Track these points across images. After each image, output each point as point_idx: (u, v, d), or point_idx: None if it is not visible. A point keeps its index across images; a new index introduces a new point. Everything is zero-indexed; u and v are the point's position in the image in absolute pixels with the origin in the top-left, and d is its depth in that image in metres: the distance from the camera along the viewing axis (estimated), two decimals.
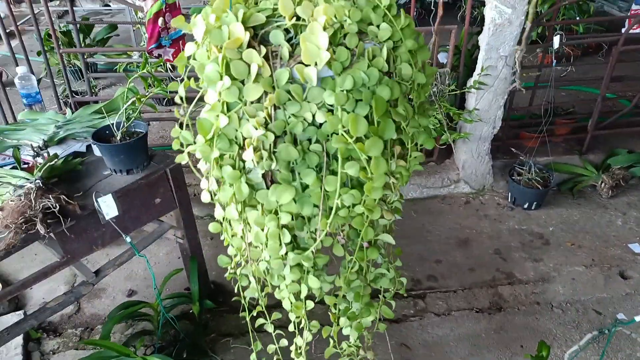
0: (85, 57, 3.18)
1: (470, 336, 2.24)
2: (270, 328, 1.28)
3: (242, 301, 1.21)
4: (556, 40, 2.66)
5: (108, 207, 1.46)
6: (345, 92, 0.82)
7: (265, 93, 0.82)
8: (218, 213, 1.03)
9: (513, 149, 3.11)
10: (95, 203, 1.49)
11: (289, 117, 0.84)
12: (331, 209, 0.90)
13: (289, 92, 0.82)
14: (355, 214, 0.93)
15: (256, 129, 0.82)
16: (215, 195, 0.97)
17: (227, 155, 0.88)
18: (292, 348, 1.27)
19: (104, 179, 1.75)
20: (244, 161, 0.88)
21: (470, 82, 2.88)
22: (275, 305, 1.25)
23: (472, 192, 3.22)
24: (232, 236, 1.06)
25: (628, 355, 2.12)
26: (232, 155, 0.88)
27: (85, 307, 2.40)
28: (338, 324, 1.18)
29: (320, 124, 0.86)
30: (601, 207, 3.08)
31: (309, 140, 0.88)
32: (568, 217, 3.00)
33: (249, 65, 0.81)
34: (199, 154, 0.88)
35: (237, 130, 0.85)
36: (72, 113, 2.04)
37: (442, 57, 3.16)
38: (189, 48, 0.88)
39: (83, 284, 1.81)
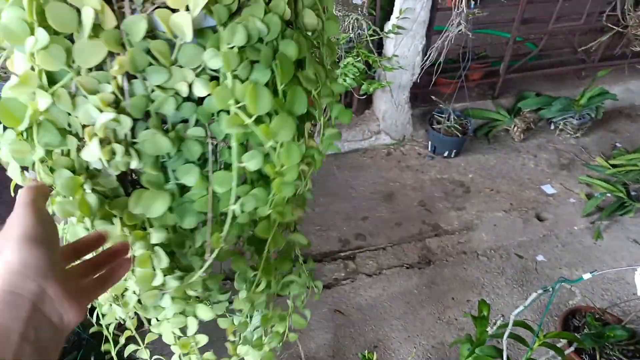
0: None
1: (402, 294, 2.19)
2: (145, 354, 1.00)
3: (105, 332, 0.92)
4: None
5: None
6: (236, 50, 0.54)
7: (112, 55, 0.52)
8: None
9: (433, 97, 3.03)
10: None
11: (152, 90, 0.55)
12: (225, 216, 0.63)
13: (149, 52, 0.52)
14: (259, 218, 0.68)
15: (100, 111, 0.52)
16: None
17: (57, 152, 0.57)
18: None
19: None
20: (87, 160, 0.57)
21: (388, 26, 2.71)
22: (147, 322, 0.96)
23: (393, 143, 3.13)
24: None
25: (567, 305, 2.19)
26: (67, 152, 0.57)
27: None
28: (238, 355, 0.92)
29: (201, 99, 0.57)
30: (514, 150, 3.15)
31: (185, 122, 0.59)
32: (485, 163, 3.03)
33: (78, 11, 0.49)
34: (5, 156, 0.56)
35: (70, 115, 0.54)
36: None
37: None
38: None
39: None
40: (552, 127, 3.32)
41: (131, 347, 0.96)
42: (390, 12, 2.71)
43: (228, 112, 0.56)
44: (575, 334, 1.65)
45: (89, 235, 0.55)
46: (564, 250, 2.42)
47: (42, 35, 0.48)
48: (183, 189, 0.61)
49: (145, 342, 0.95)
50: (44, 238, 0.43)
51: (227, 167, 0.60)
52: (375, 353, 1.91)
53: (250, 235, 0.72)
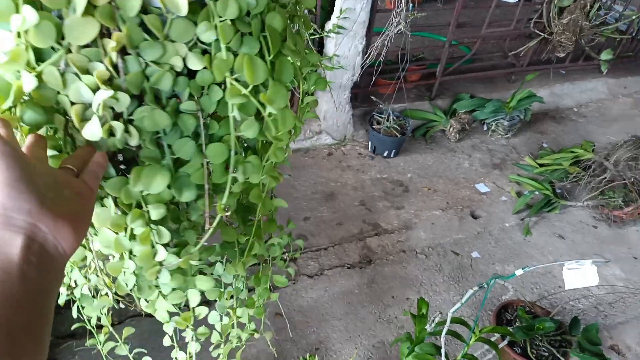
0: None
1: (344, 294, 2.19)
2: (124, 350, 1.00)
3: (88, 325, 0.92)
4: None
5: None
6: (229, 23, 0.55)
7: (105, 31, 0.51)
8: None
9: (373, 97, 3.06)
10: None
11: (146, 66, 0.54)
12: (217, 187, 0.66)
13: (143, 26, 0.52)
14: (250, 185, 0.71)
15: (94, 89, 0.52)
16: None
17: (41, 132, 0.54)
18: None
19: None
20: (72, 139, 0.56)
21: (329, 25, 2.70)
22: (125, 316, 0.96)
23: (334, 143, 3.13)
24: None
25: (501, 299, 2.27)
26: (54, 133, 0.56)
27: None
28: (237, 317, 0.98)
29: (192, 73, 0.58)
30: (450, 150, 3.25)
31: (174, 97, 0.60)
32: (423, 163, 3.11)
33: None
34: None
35: (59, 93, 0.52)
36: None
37: None
38: None
39: None
40: (485, 128, 3.46)
41: (109, 345, 1.00)
42: (331, 11, 2.71)
43: (219, 84, 0.59)
44: (508, 328, 1.71)
45: (81, 149, 0.54)
46: (497, 247, 2.52)
47: (30, 13, 0.46)
48: (175, 163, 0.62)
49: (123, 337, 1.01)
50: (23, 179, 0.42)
51: (217, 139, 0.62)
52: (316, 356, 1.90)
53: (236, 205, 0.77)
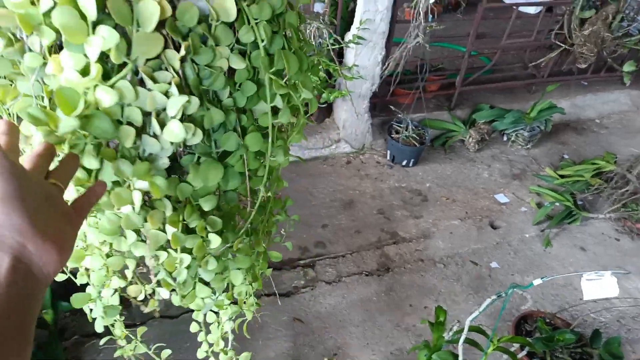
0: None
1: (362, 301, 2.20)
2: (142, 348, 1.04)
3: (117, 331, 0.95)
4: None
5: None
6: (266, 24, 0.61)
7: (170, 41, 0.56)
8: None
9: (392, 107, 3.08)
10: None
11: (203, 70, 0.59)
12: (255, 172, 0.72)
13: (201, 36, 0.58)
14: (271, 168, 0.77)
15: (167, 95, 0.56)
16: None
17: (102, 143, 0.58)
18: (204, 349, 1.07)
19: None
20: (135, 148, 0.59)
21: (349, 36, 2.74)
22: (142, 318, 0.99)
23: (353, 151, 3.16)
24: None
25: (519, 310, 2.25)
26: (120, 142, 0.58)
27: None
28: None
29: (232, 72, 0.63)
30: (470, 160, 3.24)
31: (215, 96, 0.65)
32: (442, 172, 3.11)
33: (129, 3, 0.51)
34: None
35: (129, 105, 0.55)
36: None
37: (318, 7, 2.97)
38: None
39: None
40: (505, 138, 3.44)
41: (129, 347, 1.06)
42: (351, 22, 2.75)
43: (252, 80, 0.64)
44: (527, 339, 1.70)
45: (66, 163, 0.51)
46: (516, 258, 2.50)
47: (108, 33, 0.50)
48: (222, 155, 0.67)
49: (139, 337, 1.05)
50: (17, 195, 0.41)
51: (244, 130, 0.67)
52: (335, 355, 1.91)
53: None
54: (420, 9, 2.83)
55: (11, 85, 0.57)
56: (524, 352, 1.77)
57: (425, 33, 2.83)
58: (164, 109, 0.56)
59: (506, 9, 3.43)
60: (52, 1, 0.49)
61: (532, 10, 4.74)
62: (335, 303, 2.17)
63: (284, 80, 0.64)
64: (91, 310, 0.90)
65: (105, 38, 0.49)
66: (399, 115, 3.05)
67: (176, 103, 0.55)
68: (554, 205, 2.74)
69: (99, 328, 0.91)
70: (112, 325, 0.99)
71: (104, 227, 0.65)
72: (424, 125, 3.12)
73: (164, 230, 0.67)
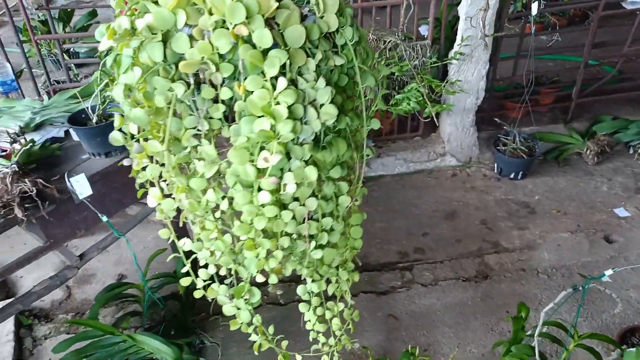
0: (62, 43, 3.14)
1: (456, 304, 2.27)
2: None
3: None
4: (534, 7, 2.65)
5: (81, 186, 1.46)
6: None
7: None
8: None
9: (497, 120, 3.10)
10: (68, 182, 1.49)
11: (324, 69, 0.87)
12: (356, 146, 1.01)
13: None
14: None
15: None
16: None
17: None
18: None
19: (83, 163, 1.74)
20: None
21: (452, 53, 2.87)
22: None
23: (458, 164, 3.22)
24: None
25: (603, 309, 2.16)
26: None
27: (75, 293, 2.42)
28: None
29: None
30: (587, 174, 3.10)
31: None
32: (554, 185, 3.02)
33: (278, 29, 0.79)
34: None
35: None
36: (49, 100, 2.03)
37: (423, 30, 3.14)
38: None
39: (68, 268, 1.82)
40: (631, 150, 3.21)
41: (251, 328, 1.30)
42: (454, 40, 2.88)
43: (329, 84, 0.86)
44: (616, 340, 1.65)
45: None
46: (632, 273, 2.35)
47: (279, 53, 0.76)
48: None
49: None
50: None
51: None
52: (425, 351, 2.01)
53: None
54: (530, 23, 2.85)
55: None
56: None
57: (531, 46, 2.84)
58: (313, 100, 0.81)
59: (632, 15, 3.25)
60: (230, 42, 0.75)
61: None
62: (430, 304, 2.28)
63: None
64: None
65: (280, 58, 0.75)
66: (505, 128, 3.06)
67: (326, 92, 0.80)
68: None
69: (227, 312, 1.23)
70: (238, 308, 1.25)
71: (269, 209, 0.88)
72: (534, 138, 3.07)
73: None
